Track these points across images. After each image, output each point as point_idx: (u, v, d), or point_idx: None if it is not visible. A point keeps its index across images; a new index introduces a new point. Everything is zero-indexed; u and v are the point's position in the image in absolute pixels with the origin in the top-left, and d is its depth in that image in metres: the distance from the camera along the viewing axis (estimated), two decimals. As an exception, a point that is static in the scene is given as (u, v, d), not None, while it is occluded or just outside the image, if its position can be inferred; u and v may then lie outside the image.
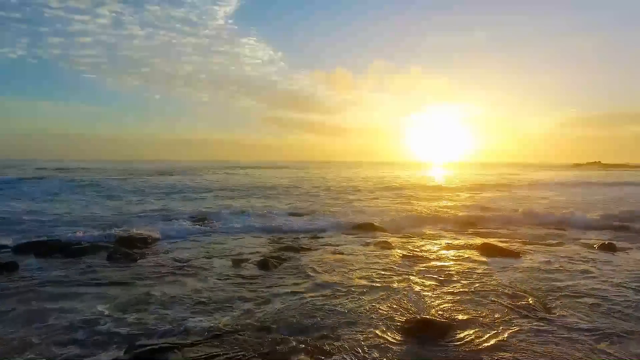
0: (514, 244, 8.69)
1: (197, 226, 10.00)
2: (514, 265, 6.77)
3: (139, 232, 8.96)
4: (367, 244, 8.52)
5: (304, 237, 9.25)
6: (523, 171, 59.65)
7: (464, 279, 5.94)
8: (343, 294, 5.18)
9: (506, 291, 5.30)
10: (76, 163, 71.65)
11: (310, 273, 6.23)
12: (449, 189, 24.78)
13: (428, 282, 5.76)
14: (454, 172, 54.31)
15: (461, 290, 5.39)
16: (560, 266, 6.73)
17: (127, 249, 7.78)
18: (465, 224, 10.99)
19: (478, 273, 6.27)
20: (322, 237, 9.27)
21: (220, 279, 5.92)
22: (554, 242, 9.00)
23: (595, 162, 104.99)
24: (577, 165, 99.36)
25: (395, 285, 5.61)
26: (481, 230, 10.43)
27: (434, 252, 7.80)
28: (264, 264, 6.71)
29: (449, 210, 14.09)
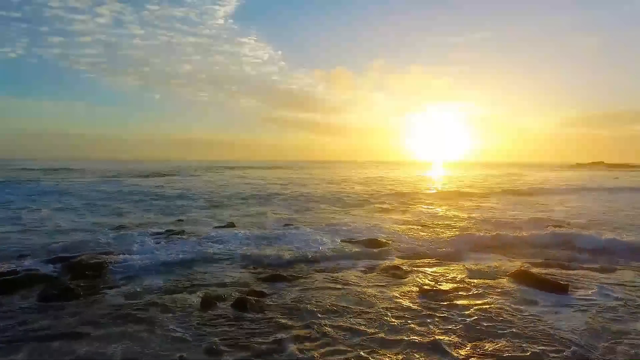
0: (552, 269, 7.14)
1: (171, 245, 8.37)
2: (567, 304, 5.24)
3: (93, 255, 7.37)
4: (373, 270, 6.96)
5: (296, 260, 7.65)
6: (528, 172, 58.16)
7: (507, 329, 4.39)
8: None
9: (574, 356, 3.74)
10: (72, 163, 70.00)
11: (295, 325, 4.63)
12: (458, 194, 22.99)
13: (461, 338, 4.19)
14: (458, 174, 52.32)
15: (512, 353, 3.82)
16: (626, 305, 5.18)
17: (73, 280, 6.21)
18: (486, 242, 9.39)
19: (524, 319, 4.72)
20: (319, 261, 7.67)
21: (178, 334, 4.34)
22: (596, 265, 7.44)
23: (599, 162, 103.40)
24: (580, 165, 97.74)
25: (415, 345, 4.03)
26: (505, 249, 8.84)
27: (457, 282, 6.23)
28: (241, 305, 5.16)
29: (463, 222, 12.48)
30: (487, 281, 6.26)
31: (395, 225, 11.52)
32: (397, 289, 5.87)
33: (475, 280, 6.28)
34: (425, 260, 7.69)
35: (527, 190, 25.23)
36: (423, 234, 10.24)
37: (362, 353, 3.88)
